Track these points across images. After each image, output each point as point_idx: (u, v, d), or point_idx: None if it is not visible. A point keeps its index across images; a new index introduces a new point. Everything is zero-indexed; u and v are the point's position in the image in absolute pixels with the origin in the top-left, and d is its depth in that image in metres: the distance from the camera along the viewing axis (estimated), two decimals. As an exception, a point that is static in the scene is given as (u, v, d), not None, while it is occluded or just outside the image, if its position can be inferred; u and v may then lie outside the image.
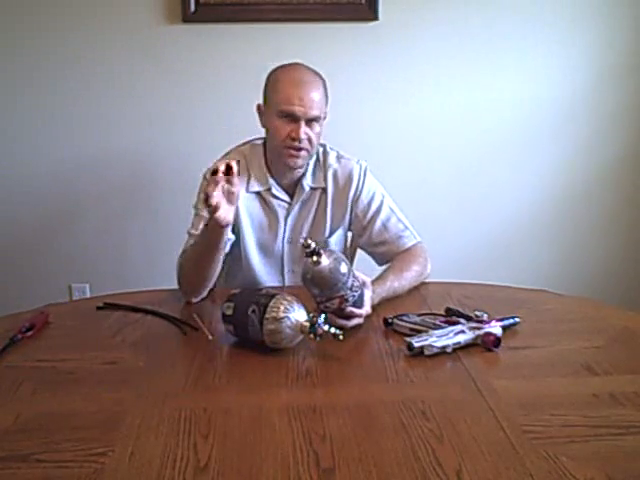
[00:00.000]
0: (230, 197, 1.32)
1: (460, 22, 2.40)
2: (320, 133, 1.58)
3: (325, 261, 1.25)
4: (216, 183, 1.28)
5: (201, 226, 1.56)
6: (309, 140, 1.54)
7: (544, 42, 2.45)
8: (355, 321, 1.33)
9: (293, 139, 1.53)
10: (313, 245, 1.25)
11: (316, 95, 1.53)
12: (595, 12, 2.43)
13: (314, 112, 1.52)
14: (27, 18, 2.31)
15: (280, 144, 1.55)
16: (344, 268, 1.27)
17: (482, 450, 0.91)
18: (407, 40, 2.40)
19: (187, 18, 2.32)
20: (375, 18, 2.35)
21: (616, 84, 2.50)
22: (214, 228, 1.37)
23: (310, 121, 1.53)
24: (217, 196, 1.29)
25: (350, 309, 1.31)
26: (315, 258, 1.25)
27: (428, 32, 2.41)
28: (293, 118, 1.52)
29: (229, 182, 1.31)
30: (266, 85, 1.60)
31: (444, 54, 2.43)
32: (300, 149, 1.54)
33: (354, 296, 1.31)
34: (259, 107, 1.63)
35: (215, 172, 1.28)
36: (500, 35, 2.43)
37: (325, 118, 1.62)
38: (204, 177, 1.65)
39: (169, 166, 2.45)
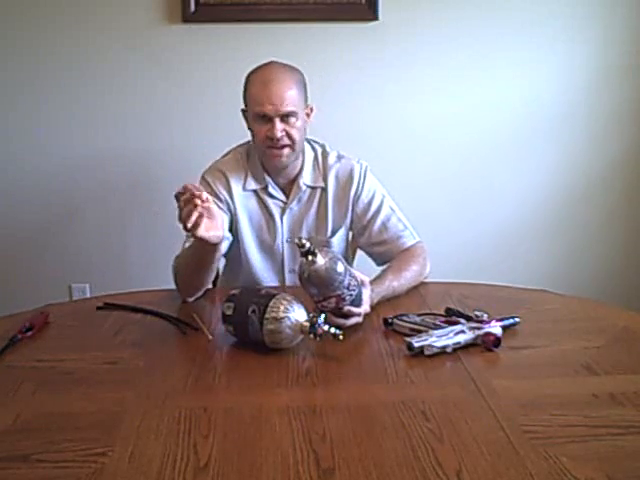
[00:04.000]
0: (209, 212, 1.31)
1: (460, 22, 2.40)
2: (302, 128, 1.58)
3: (321, 260, 1.25)
4: (191, 205, 1.27)
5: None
6: (289, 136, 1.55)
7: (544, 42, 2.45)
8: (353, 320, 1.33)
9: (270, 138, 1.54)
10: (308, 245, 1.25)
11: (286, 91, 1.53)
12: (595, 12, 2.43)
13: (286, 108, 1.52)
14: (27, 18, 2.31)
15: (261, 145, 1.57)
16: (340, 267, 1.27)
17: (482, 450, 0.91)
18: (407, 40, 2.40)
19: (187, 18, 2.32)
20: (375, 18, 2.35)
21: (616, 84, 2.50)
22: (204, 246, 1.37)
23: (286, 117, 1.53)
24: (193, 218, 1.27)
25: (348, 308, 1.31)
26: (310, 258, 1.25)
27: (428, 32, 2.41)
28: (267, 118, 1.53)
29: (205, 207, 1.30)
30: (243, 88, 1.61)
31: (444, 54, 2.43)
32: (282, 147, 1.55)
33: (352, 295, 1.31)
34: (243, 111, 1.64)
35: (181, 194, 1.29)
36: (500, 35, 2.43)
37: (312, 111, 1.63)
38: (202, 178, 1.66)
39: (169, 166, 2.45)
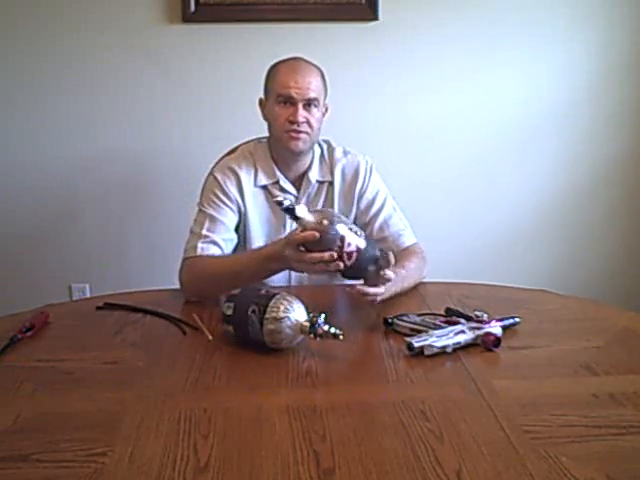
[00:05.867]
0: None
1: (460, 22, 2.40)
2: (320, 120, 1.60)
3: (308, 217, 1.26)
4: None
5: (207, 224, 1.57)
6: (308, 123, 1.57)
7: (544, 41, 2.45)
8: (380, 289, 1.36)
9: (292, 122, 1.55)
10: (286, 203, 1.25)
11: (312, 79, 1.57)
12: (595, 12, 2.43)
13: (311, 94, 1.55)
14: (27, 18, 2.31)
15: (280, 129, 1.58)
16: (328, 218, 1.27)
17: (482, 450, 0.91)
18: (407, 40, 2.41)
19: (187, 18, 2.32)
20: (375, 18, 2.35)
21: (616, 83, 2.50)
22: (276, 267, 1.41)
23: (308, 104, 1.56)
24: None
25: (362, 289, 1.33)
26: (296, 220, 1.26)
27: (428, 32, 2.41)
28: (291, 102, 1.55)
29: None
30: (266, 78, 1.64)
31: (444, 54, 2.43)
32: (300, 132, 1.56)
33: (358, 232, 1.30)
34: (260, 101, 1.66)
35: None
36: (500, 35, 2.43)
37: (327, 110, 1.64)
38: (212, 175, 1.65)
39: (169, 166, 2.45)
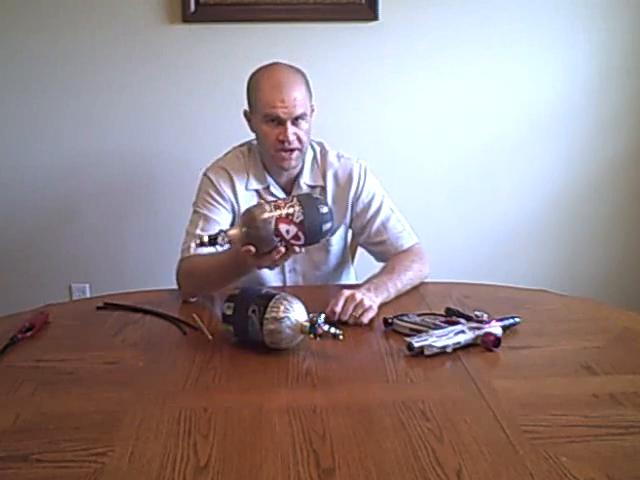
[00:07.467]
0: None
1: (460, 22, 2.40)
2: (309, 129, 1.58)
3: (232, 232, 1.23)
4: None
5: (201, 224, 1.57)
6: (298, 139, 1.55)
7: (545, 42, 2.44)
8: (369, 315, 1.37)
9: (282, 141, 1.53)
10: (205, 240, 1.22)
11: (298, 93, 1.53)
12: (595, 12, 2.43)
13: (298, 111, 1.52)
14: (27, 18, 2.31)
15: (271, 148, 1.56)
16: (250, 223, 1.23)
17: (482, 450, 0.91)
18: (407, 40, 2.40)
19: (187, 18, 2.32)
20: (375, 18, 2.35)
21: (617, 84, 2.50)
22: (247, 267, 1.35)
23: (296, 120, 1.53)
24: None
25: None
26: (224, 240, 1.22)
27: (428, 32, 2.40)
28: (279, 121, 1.52)
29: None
30: (248, 90, 1.61)
31: (444, 54, 2.42)
32: (292, 150, 1.55)
33: (291, 210, 1.24)
34: (245, 113, 1.64)
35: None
36: (500, 36, 2.43)
37: (313, 111, 1.62)
38: (205, 175, 1.66)
39: (169, 166, 2.45)
